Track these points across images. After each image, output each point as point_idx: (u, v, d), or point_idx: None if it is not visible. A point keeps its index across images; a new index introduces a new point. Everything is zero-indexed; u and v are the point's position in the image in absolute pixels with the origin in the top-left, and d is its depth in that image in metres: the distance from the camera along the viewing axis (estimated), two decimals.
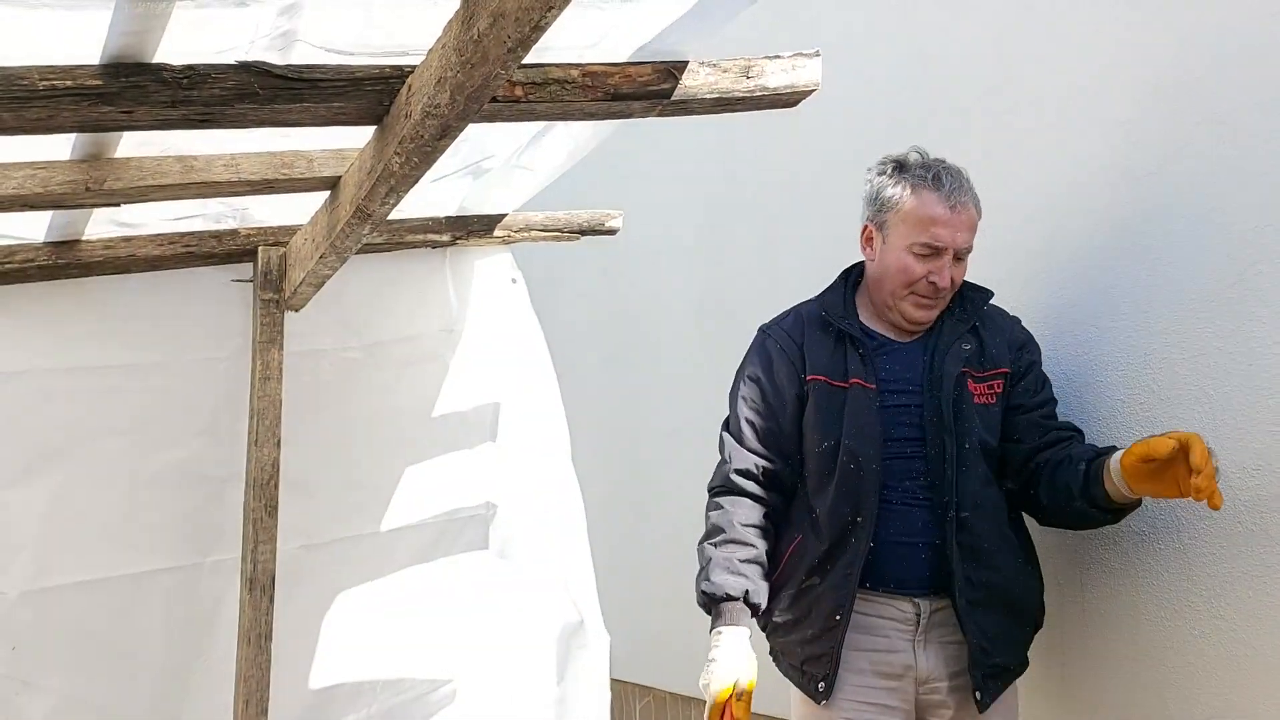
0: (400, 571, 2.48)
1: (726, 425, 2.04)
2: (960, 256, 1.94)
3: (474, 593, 2.56)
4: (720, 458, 2.04)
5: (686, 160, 3.70)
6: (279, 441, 2.25)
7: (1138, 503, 1.81)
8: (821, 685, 1.87)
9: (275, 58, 1.45)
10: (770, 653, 2.03)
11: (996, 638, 1.86)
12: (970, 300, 1.99)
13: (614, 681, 2.82)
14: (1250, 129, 1.96)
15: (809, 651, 1.89)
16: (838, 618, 1.85)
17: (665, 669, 3.78)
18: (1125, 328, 2.22)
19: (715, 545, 1.93)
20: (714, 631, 1.89)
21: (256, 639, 2.21)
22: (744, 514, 1.94)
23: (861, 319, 1.98)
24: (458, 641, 2.54)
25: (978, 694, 1.84)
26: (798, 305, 2.06)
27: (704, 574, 1.93)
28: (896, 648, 1.89)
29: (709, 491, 2.03)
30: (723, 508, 1.96)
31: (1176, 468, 1.66)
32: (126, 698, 2.26)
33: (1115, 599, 2.02)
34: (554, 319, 4.43)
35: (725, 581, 1.89)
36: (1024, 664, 1.94)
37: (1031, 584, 1.94)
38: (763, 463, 1.96)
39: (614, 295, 4.17)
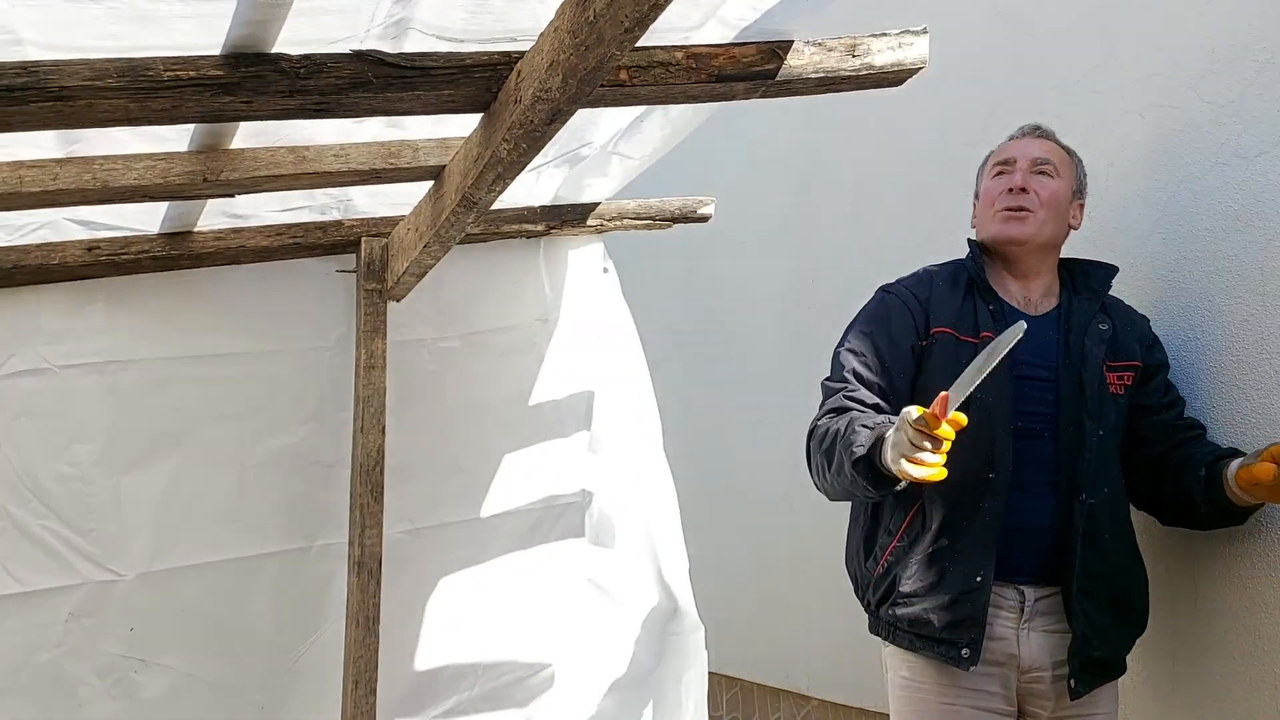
0: (500, 556, 2.51)
1: (828, 378, 1.94)
2: (1041, 170, 1.92)
3: (571, 578, 2.58)
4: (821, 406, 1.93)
5: (774, 145, 3.68)
6: (384, 429, 2.30)
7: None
8: (966, 651, 1.79)
9: (388, 46, 1.48)
10: (884, 629, 1.93)
11: (1102, 630, 1.81)
12: (1094, 276, 1.95)
13: None
14: None
15: (949, 617, 1.80)
16: (979, 579, 1.78)
17: (751, 660, 3.78)
18: (1240, 310, 2.14)
19: (836, 422, 1.81)
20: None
21: (365, 621, 2.26)
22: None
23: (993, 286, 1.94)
24: (556, 626, 2.57)
25: (1072, 682, 1.79)
26: (924, 267, 2.00)
27: (843, 443, 1.76)
28: (1000, 634, 1.85)
29: (807, 436, 1.90)
30: (832, 419, 1.84)
31: None
32: (240, 677, 2.33)
33: (1230, 592, 1.96)
34: (641, 309, 4.45)
35: (864, 433, 1.73)
36: (1123, 665, 1.89)
37: (1142, 580, 1.90)
38: (870, 397, 1.86)
39: (700, 285, 4.17)
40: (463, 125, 1.80)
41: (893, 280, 2.00)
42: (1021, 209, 1.89)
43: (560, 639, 2.57)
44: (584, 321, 2.63)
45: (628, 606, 2.65)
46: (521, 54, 1.50)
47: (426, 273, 2.20)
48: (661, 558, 2.69)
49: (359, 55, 1.45)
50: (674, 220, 2.67)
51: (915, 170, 2.93)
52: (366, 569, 2.27)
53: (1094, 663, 1.82)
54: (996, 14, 2.63)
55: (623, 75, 1.58)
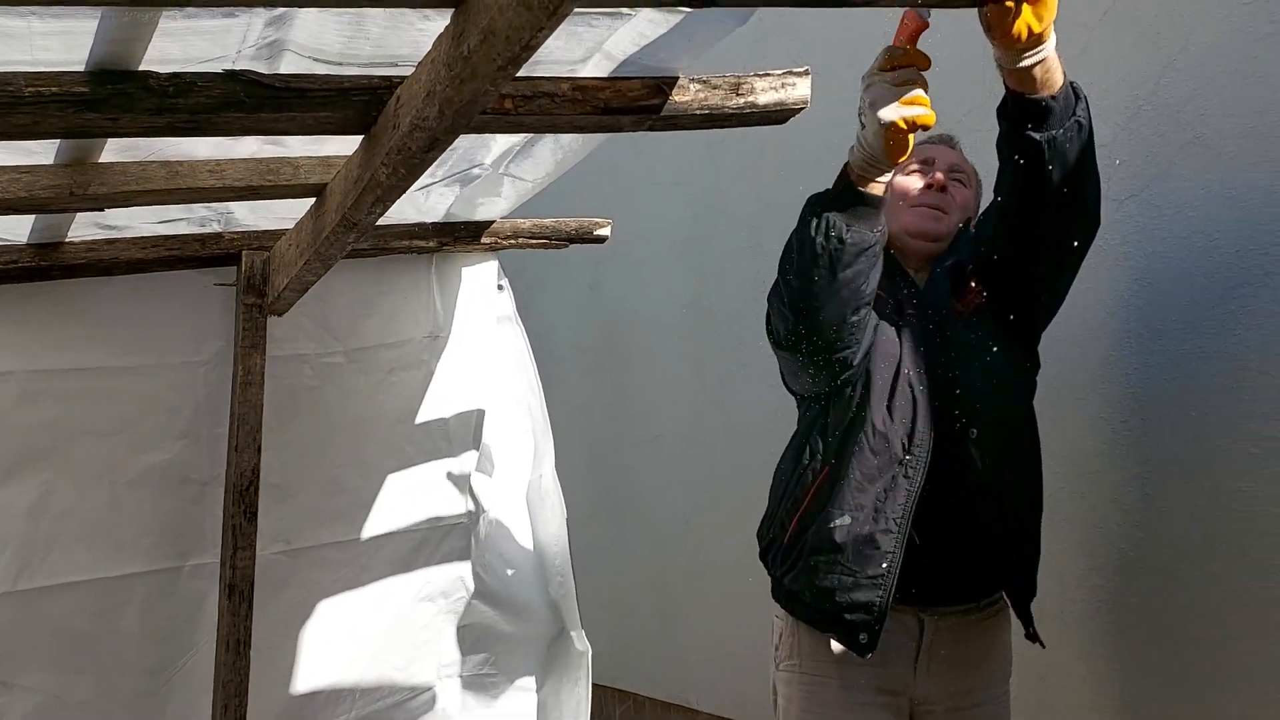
0: (381, 578, 2.47)
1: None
2: (956, 178, 1.94)
3: (455, 600, 2.55)
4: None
5: (674, 169, 3.71)
6: (259, 447, 2.24)
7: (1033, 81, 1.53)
8: (864, 637, 1.74)
9: (263, 67, 1.44)
10: (783, 597, 1.90)
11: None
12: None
13: (594, 686, 2.82)
14: (1232, 151, 1.98)
15: (850, 599, 1.75)
16: (885, 566, 1.74)
17: (645, 675, 3.79)
18: (1110, 349, 2.23)
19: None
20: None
21: (235, 645, 2.20)
22: None
23: None
24: (438, 648, 2.54)
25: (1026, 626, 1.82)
26: None
27: (807, 209, 1.68)
28: (893, 663, 1.84)
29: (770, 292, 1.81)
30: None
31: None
32: (107, 699, 2.24)
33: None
34: (540, 326, 4.43)
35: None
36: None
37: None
38: None
39: (602, 302, 4.18)
40: (347, 142, 1.77)
41: None
42: (940, 208, 1.92)
43: (442, 661, 2.54)
44: (475, 339, 2.60)
45: (512, 628, 2.63)
46: (403, 79, 1.48)
47: (308, 288, 2.16)
48: (549, 579, 2.68)
49: (231, 75, 1.41)
50: (570, 240, 2.66)
51: (803, 200, 2.97)
52: (238, 591, 2.21)
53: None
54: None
55: (507, 104, 1.57)
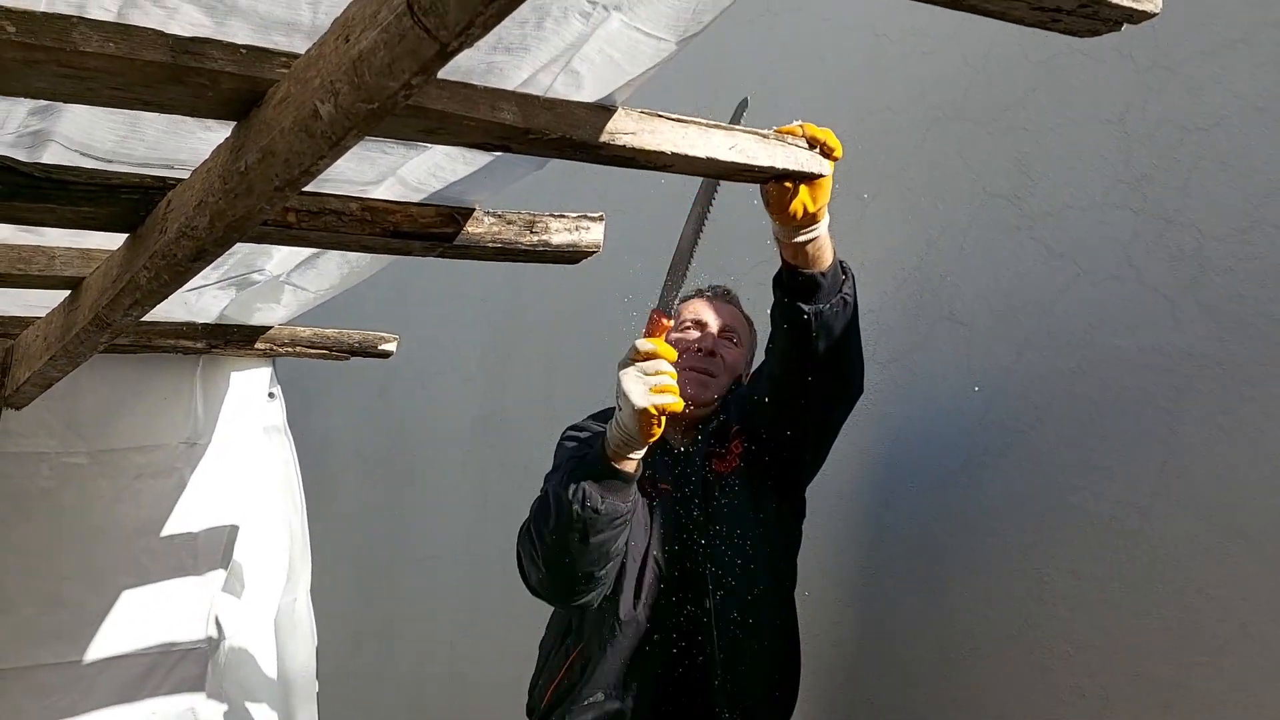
0: (103, 707, 2.23)
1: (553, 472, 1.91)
2: (728, 338, 2.03)
3: None
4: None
5: (476, 283, 3.70)
6: None
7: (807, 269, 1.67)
8: None
9: (23, 155, 1.35)
10: None
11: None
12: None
13: None
14: (980, 329, 2.16)
15: None
16: None
17: None
18: (862, 501, 2.34)
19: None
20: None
21: None
22: None
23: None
24: None
25: None
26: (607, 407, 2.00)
27: (564, 475, 1.74)
28: None
29: (520, 534, 1.86)
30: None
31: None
32: None
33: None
34: (322, 429, 4.27)
35: (584, 446, 1.76)
36: None
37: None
38: None
39: (391, 411, 4.07)
40: (110, 236, 1.66)
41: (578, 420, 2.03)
42: (708, 373, 1.97)
43: None
44: (238, 449, 2.45)
45: None
46: (178, 181, 1.41)
47: (52, 384, 1.99)
48: (294, 712, 2.50)
49: None
50: (353, 353, 2.58)
51: (605, 324, 3.03)
52: None
53: None
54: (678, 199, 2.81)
55: (290, 217, 1.53)
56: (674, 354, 1.68)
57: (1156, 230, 1.90)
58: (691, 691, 1.85)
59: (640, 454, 1.75)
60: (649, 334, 1.73)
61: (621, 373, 1.67)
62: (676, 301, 1.76)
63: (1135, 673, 1.82)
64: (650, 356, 1.66)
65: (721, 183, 1.74)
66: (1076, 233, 2.02)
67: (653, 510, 1.91)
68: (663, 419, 1.66)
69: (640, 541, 1.88)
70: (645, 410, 1.63)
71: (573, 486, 1.73)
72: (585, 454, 1.77)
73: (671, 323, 1.74)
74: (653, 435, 1.67)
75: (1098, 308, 1.96)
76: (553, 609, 2.00)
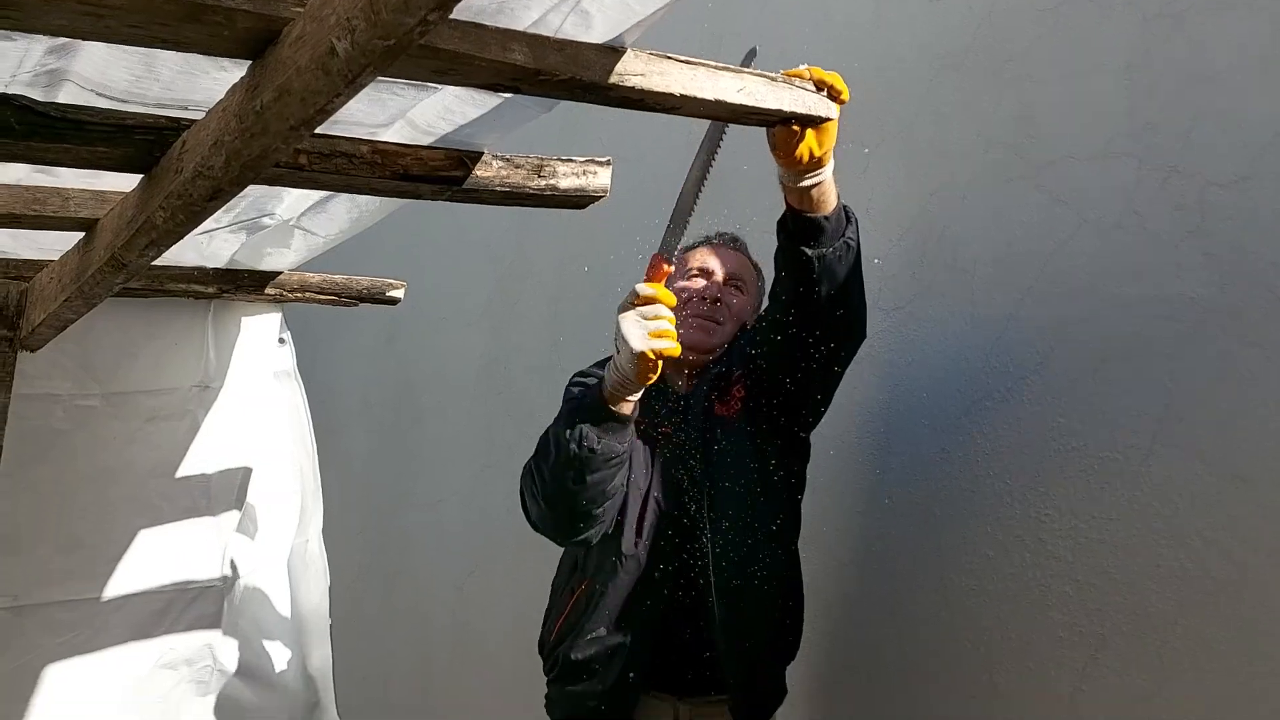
0: (121, 642, 2.28)
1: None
2: (734, 285, 2.06)
3: (199, 669, 2.38)
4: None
5: (482, 230, 3.72)
6: None
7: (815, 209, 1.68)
8: None
9: (39, 94, 1.36)
10: (547, 704, 1.97)
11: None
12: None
13: None
14: (982, 277, 2.18)
15: (598, 706, 1.86)
16: (631, 676, 1.85)
17: None
18: (865, 447, 2.38)
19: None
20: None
21: None
22: None
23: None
24: (179, 718, 2.36)
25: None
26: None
27: (562, 418, 1.79)
28: None
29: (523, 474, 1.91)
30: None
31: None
32: None
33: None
34: (329, 378, 4.31)
35: (583, 390, 1.79)
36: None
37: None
38: None
39: (397, 357, 4.10)
40: (124, 177, 1.68)
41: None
42: (714, 320, 1.99)
43: None
44: (249, 393, 2.48)
45: (262, 701, 2.48)
46: (192, 122, 1.43)
47: (67, 326, 2.02)
48: (307, 650, 2.55)
49: (1, 98, 1.33)
50: (360, 299, 2.60)
51: (611, 274, 3.05)
52: None
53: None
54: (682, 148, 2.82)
55: (302, 159, 1.54)
56: (673, 299, 1.70)
57: (1159, 179, 1.91)
58: (692, 631, 1.90)
59: (637, 397, 1.78)
60: (649, 278, 1.75)
61: (621, 316, 1.70)
62: (679, 247, 1.78)
63: (1132, 612, 1.86)
64: (650, 301, 1.68)
65: (728, 129, 1.75)
66: (1080, 181, 2.03)
67: (655, 453, 1.93)
68: (659, 363, 1.69)
69: (642, 481, 1.91)
70: (643, 354, 1.66)
71: (570, 427, 1.77)
72: (584, 396, 1.80)
73: (672, 268, 1.77)
74: (649, 379, 1.70)
75: (1100, 256, 1.98)
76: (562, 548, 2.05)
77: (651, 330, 1.66)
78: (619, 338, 1.70)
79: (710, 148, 1.79)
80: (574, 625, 1.92)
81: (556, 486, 1.81)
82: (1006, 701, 2.01)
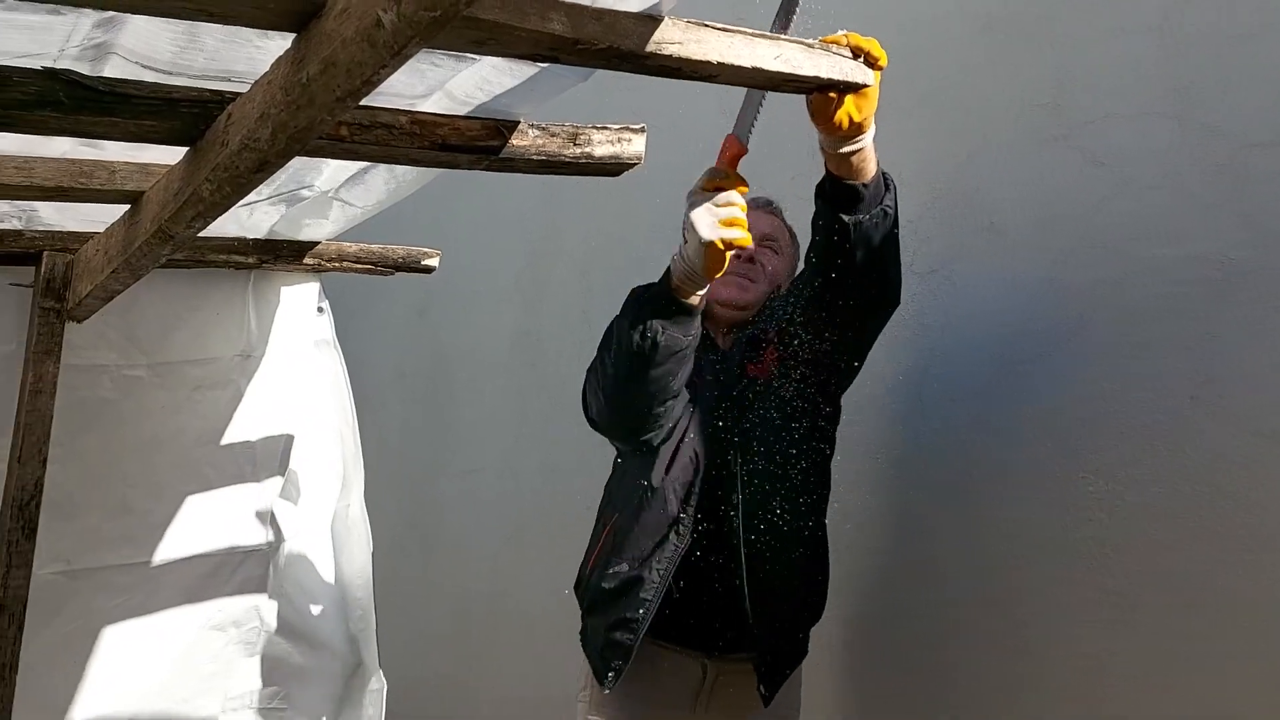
0: (170, 605, 2.34)
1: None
2: (768, 246, 2.04)
3: (247, 631, 2.45)
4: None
5: (513, 202, 3.73)
6: (45, 460, 2.11)
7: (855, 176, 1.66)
8: (610, 675, 1.85)
9: (86, 68, 1.39)
10: (581, 634, 2.00)
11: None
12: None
13: None
14: (1019, 240, 2.17)
15: (609, 638, 1.87)
16: (641, 612, 1.84)
17: (441, 713, 3.73)
18: (901, 410, 2.38)
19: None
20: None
21: (0, 669, 2.05)
22: None
23: None
24: (225, 681, 2.43)
25: (762, 688, 1.87)
26: None
27: (628, 312, 1.75)
28: (673, 705, 1.93)
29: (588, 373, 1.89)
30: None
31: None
32: None
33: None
34: (363, 350, 4.35)
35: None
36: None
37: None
38: None
39: (430, 330, 4.14)
40: (168, 151, 1.71)
41: None
42: (748, 277, 2.01)
43: (229, 694, 2.43)
44: (290, 361, 2.53)
45: (307, 661, 2.54)
46: (236, 94, 1.45)
47: (113, 297, 2.06)
48: (350, 612, 2.61)
49: (50, 73, 1.35)
50: (396, 268, 2.64)
51: (641, 244, 3.06)
52: (9, 613, 2.06)
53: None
54: (715, 115, 2.81)
55: (343, 131, 1.56)
56: (746, 185, 1.59)
57: (1197, 139, 1.90)
58: (720, 587, 1.89)
59: (703, 291, 1.73)
60: (721, 161, 1.63)
61: (690, 202, 1.61)
62: (752, 130, 1.65)
63: (1166, 574, 1.87)
64: (720, 187, 1.59)
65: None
66: (1117, 142, 2.02)
67: (695, 395, 1.93)
68: (728, 255, 1.60)
69: (681, 421, 1.91)
70: (712, 244, 1.57)
71: (634, 318, 1.73)
72: (649, 287, 1.76)
73: (747, 150, 1.63)
74: (719, 271, 1.63)
75: (1138, 217, 1.97)
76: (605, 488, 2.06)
77: (722, 218, 1.57)
78: (687, 226, 1.61)
79: (785, 15, 1.61)
80: (604, 558, 1.93)
81: (617, 381, 1.77)
82: (1037, 661, 2.03)
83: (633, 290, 1.84)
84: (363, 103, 1.52)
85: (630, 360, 1.74)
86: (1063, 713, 1.98)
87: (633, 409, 1.81)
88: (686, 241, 1.63)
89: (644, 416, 1.82)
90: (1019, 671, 2.05)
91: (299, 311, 2.54)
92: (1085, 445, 2.00)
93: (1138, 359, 1.94)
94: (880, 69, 1.50)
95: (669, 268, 1.73)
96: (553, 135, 1.74)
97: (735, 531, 1.88)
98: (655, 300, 1.73)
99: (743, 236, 1.59)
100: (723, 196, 1.59)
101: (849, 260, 1.75)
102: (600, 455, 2.13)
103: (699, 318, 1.77)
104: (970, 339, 2.25)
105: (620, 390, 1.80)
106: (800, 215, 2.16)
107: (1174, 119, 1.93)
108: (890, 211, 1.74)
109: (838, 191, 1.69)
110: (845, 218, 1.70)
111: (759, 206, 2.11)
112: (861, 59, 1.48)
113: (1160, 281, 1.92)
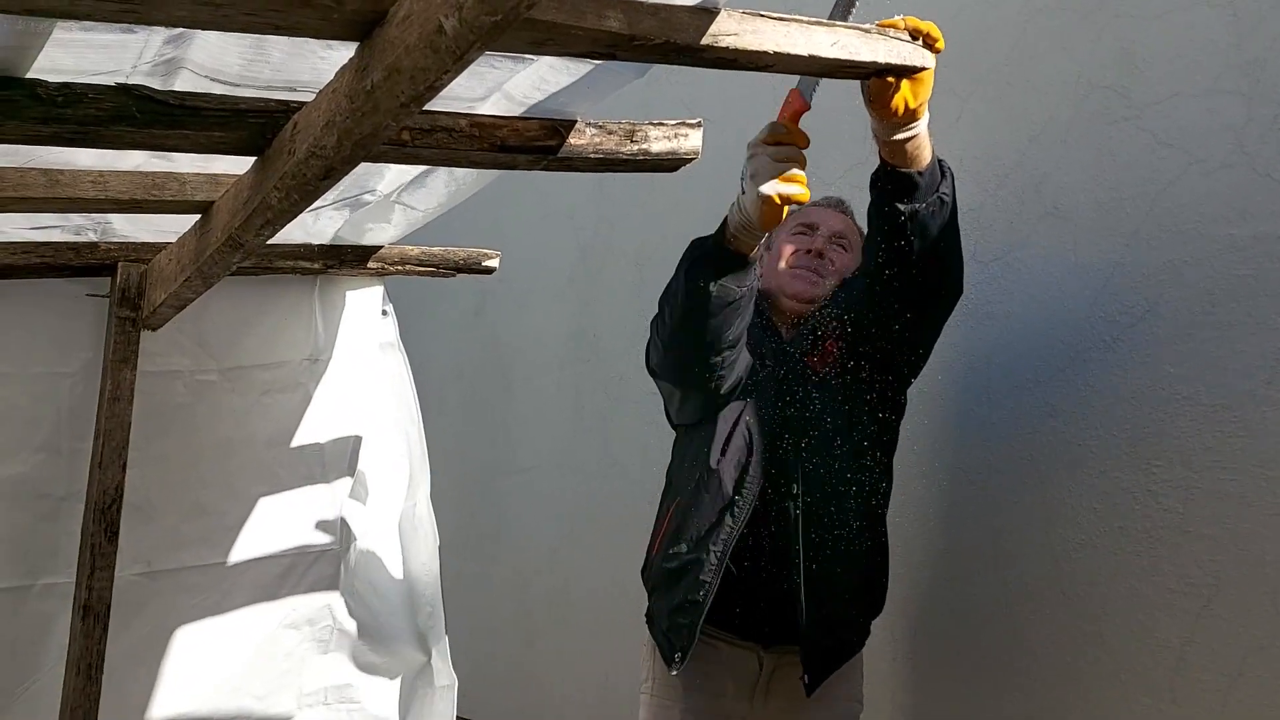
0: (245, 604, 2.40)
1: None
2: (838, 244, 2.04)
3: (320, 629, 2.50)
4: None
5: (565, 202, 3.75)
6: (124, 465, 2.17)
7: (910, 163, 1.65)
8: (678, 656, 1.86)
9: (157, 83, 1.43)
10: (646, 618, 2.01)
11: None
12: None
13: (457, 719, 2.80)
14: (1085, 224, 2.13)
15: (673, 621, 1.89)
16: (701, 594, 1.85)
17: (508, 708, 3.77)
18: (967, 400, 2.36)
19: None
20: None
21: (86, 669, 2.11)
22: None
23: None
24: (299, 678, 2.48)
25: (806, 678, 1.85)
26: None
27: (687, 258, 1.77)
28: (731, 695, 1.93)
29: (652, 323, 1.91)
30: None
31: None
32: None
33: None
34: (421, 351, 4.41)
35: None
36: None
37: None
38: None
39: (487, 329, 4.18)
40: (236, 161, 1.75)
41: None
42: (816, 272, 2.01)
43: (303, 691, 2.48)
44: (357, 364, 2.57)
45: (378, 658, 2.59)
46: (301, 104, 1.48)
47: (186, 305, 2.11)
48: (418, 609, 2.65)
49: (124, 89, 1.39)
50: (458, 270, 2.67)
51: (694, 236, 3.05)
52: (93, 613, 2.13)
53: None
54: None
55: (405, 135, 1.59)
56: (806, 140, 1.58)
57: (1269, 115, 1.85)
58: (773, 572, 1.88)
59: (759, 243, 1.73)
60: (784, 116, 1.61)
61: (750, 154, 1.60)
62: (816, 87, 1.63)
63: (1247, 563, 1.83)
64: (782, 141, 1.58)
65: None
66: (1186, 121, 1.97)
67: (755, 379, 1.93)
68: (785, 210, 1.60)
69: (735, 405, 1.91)
70: (769, 198, 1.57)
71: (690, 267, 1.75)
72: (706, 238, 1.77)
73: (809, 107, 1.61)
74: (775, 224, 1.63)
75: (1209, 196, 1.92)
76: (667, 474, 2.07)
77: (781, 174, 1.57)
78: (746, 176, 1.60)
79: (846, 6, 1.57)
80: (666, 541, 1.94)
81: (673, 331, 1.81)
82: (1114, 652, 2.00)
83: (692, 241, 1.84)
84: (423, 107, 1.56)
85: (685, 309, 1.76)
86: (1140, 705, 1.95)
87: (691, 358, 1.82)
88: (744, 193, 1.63)
89: (701, 366, 1.82)
90: (1094, 663, 2.02)
91: (364, 315, 2.59)
92: (1158, 431, 1.96)
93: (1210, 342, 1.90)
94: (938, 51, 1.49)
95: (725, 217, 1.72)
96: (610, 133, 1.75)
97: (794, 522, 1.87)
98: (711, 250, 1.73)
99: (800, 192, 1.58)
100: (783, 151, 1.58)
101: (906, 251, 1.73)
102: (658, 448, 2.14)
103: (754, 269, 1.78)
104: (1036, 326, 2.22)
105: (676, 340, 1.82)
106: (856, 207, 2.14)
107: (1244, 96, 1.88)
108: (947, 199, 1.72)
109: (892, 180, 1.67)
110: (901, 207, 1.68)
111: (831, 205, 2.11)
112: (919, 41, 1.47)
113: (1232, 262, 1.88)
